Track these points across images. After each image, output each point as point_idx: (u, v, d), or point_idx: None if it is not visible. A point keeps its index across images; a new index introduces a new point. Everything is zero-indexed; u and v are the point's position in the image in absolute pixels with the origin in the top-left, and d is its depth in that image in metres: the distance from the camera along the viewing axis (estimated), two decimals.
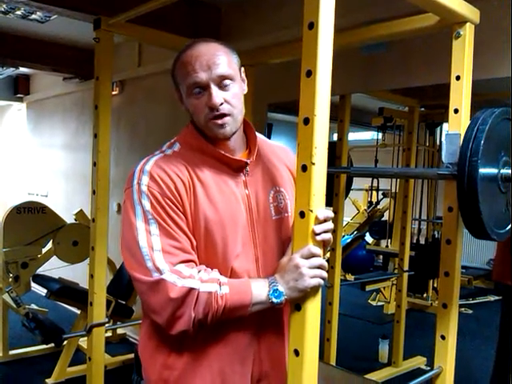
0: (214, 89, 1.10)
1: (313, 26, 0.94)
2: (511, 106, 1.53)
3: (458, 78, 1.56)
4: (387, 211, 4.06)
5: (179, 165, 1.11)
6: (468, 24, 1.55)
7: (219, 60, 1.11)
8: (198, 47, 1.13)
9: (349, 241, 4.33)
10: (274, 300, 1.03)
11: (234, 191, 1.15)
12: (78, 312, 3.49)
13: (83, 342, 3.25)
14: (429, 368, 2.57)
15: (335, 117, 2.70)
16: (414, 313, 3.60)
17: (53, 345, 2.82)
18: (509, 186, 1.54)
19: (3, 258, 3.29)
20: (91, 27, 1.96)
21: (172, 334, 1.05)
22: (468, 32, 1.55)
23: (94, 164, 1.98)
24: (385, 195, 4.07)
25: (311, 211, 0.96)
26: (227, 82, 1.11)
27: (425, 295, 3.80)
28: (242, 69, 1.20)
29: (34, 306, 3.54)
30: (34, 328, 2.86)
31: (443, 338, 1.63)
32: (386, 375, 2.94)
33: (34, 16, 3.37)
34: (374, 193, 4.21)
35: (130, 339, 4.07)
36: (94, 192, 1.98)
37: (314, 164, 0.95)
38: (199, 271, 1.06)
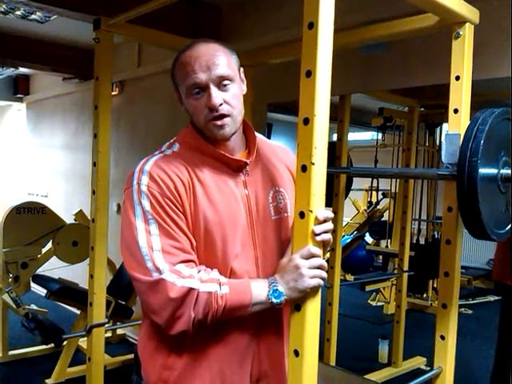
0: (214, 89, 1.10)
1: (312, 26, 0.95)
2: (511, 106, 1.53)
3: (457, 78, 1.56)
4: (387, 211, 4.07)
5: (179, 165, 1.11)
6: (467, 24, 1.55)
7: (218, 60, 1.10)
8: (197, 48, 1.13)
9: (348, 241, 4.33)
10: (274, 300, 1.03)
11: (233, 191, 1.15)
12: (78, 312, 3.49)
13: (83, 343, 3.24)
14: (429, 368, 2.57)
15: (335, 117, 2.71)
16: (414, 313, 3.60)
17: (52, 345, 2.82)
18: (508, 186, 1.54)
19: (3, 258, 3.29)
20: (91, 27, 1.96)
21: (171, 335, 1.05)
22: (467, 32, 1.55)
23: (94, 164, 1.98)
24: (384, 195, 4.07)
25: (311, 211, 0.96)
26: (226, 82, 1.11)
27: (424, 295, 3.80)
28: (242, 69, 1.19)
29: (33, 307, 3.54)
30: (34, 328, 2.86)
31: (443, 338, 1.63)
32: (386, 375, 2.94)
33: (33, 16, 3.37)
34: (374, 193, 4.21)
35: (130, 339, 4.07)
36: (93, 192, 1.98)
37: (313, 164, 0.95)
38: (199, 271, 1.06)
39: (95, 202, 1.97)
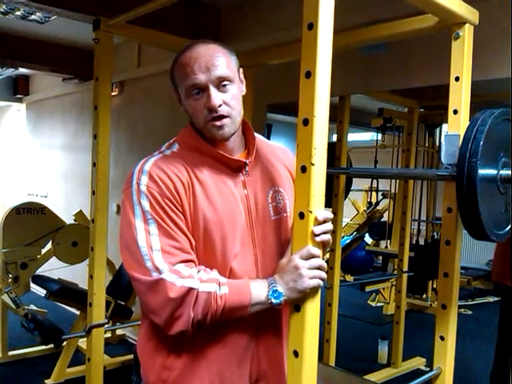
0: (213, 90, 1.10)
1: (312, 26, 0.95)
2: (511, 107, 1.54)
3: (457, 78, 1.56)
4: (387, 212, 4.07)
5: (178, 165, 1.11)
6: (467, 25, 1.55)
7: (218, 61, 1.11)
8: (196, 48, 1.13)
9: (348, 242, 4.34)
10: (274, 301, 1.03)
11: (232, 191, 1.15)
12: (78, 313, 3.49)
13: (82, 343, 3.24)
14: (428, 369, 2.57)
15: (335, 117, 2.71)
16: (414, 314, 3.61)
17: (52, 345, 2.81)
18: (508, 187, 1.54)
19: (2, 259, 3.29)
20: (91, 28, 1.96)
21: (171, 335, 1.05)
22: (467, 33, 1.55)
23: (94, 165, 1.98)
24: (384, 196, 4.08)
25: (310, 212, 0.96)
26: (226, 83, 1.11)
27: (424, 296, 3.81)
28: (241, 70, 1.20)
29: (33, 307, 3.54)
30: (34, 329, 2.85)
31: (442, 338, 1.63)
32: (386, 376, 2.94)
33: (33, 17, 3.37)
34: (374, 193, 4.21)
35: (130, 340, 4.07)
36: (93, 193, 1.98)
37: (313, 165, 0.95)
38: (198, 271, 1.06)
39: (95, 203, 1.97)
